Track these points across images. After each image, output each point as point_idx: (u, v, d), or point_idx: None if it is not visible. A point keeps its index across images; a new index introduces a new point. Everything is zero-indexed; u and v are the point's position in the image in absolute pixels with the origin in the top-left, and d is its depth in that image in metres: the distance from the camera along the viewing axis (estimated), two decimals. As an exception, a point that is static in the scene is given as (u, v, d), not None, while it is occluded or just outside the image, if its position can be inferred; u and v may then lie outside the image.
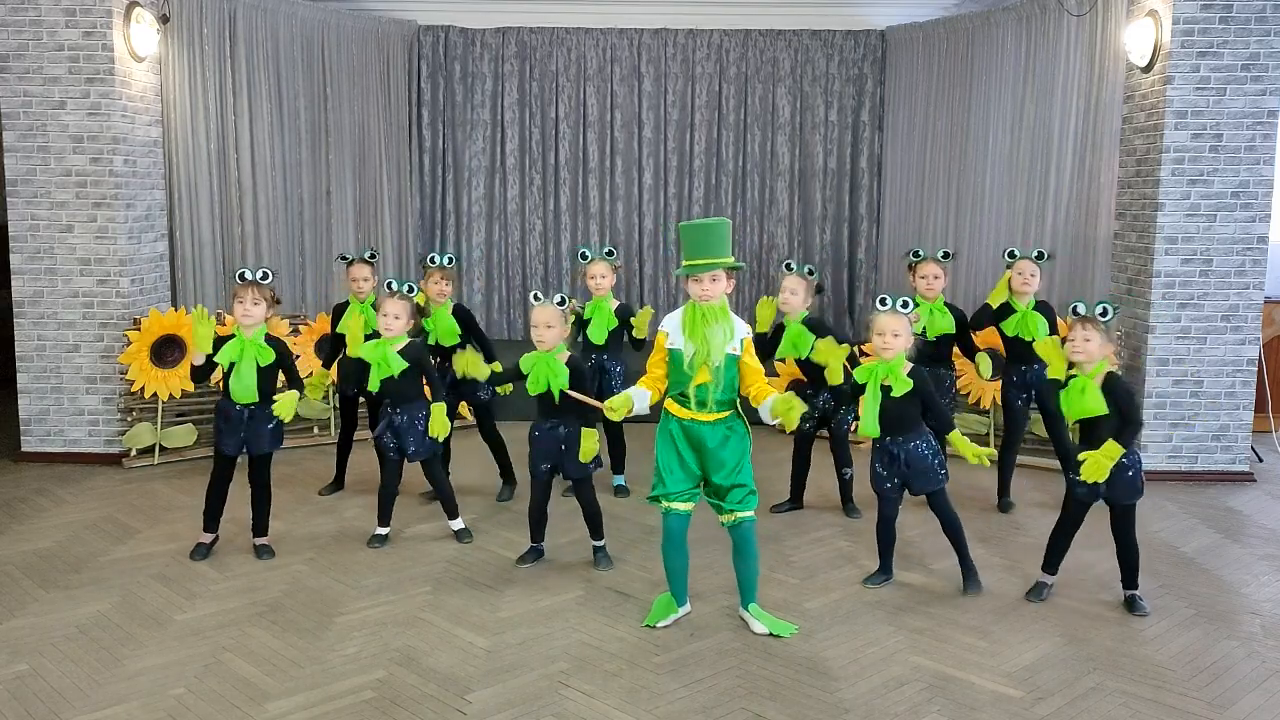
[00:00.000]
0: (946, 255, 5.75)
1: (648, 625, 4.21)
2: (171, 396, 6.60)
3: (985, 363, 5.55)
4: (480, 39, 8.97)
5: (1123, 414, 4.23)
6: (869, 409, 4.42)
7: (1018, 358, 5.61)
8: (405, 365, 4.94)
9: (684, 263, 3.99)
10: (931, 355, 5.47)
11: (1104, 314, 4.26)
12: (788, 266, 5.51)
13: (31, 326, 6.57)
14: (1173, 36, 6.13)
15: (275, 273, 4.93)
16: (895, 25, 8.80)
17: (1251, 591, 4.69)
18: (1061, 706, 3.60)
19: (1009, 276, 5.62)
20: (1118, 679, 3.80)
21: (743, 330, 4.05)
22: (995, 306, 5.65)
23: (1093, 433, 4.29)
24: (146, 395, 6.54)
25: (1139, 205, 6.46)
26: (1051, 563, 4.54)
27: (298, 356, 6.93)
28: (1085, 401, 4.23)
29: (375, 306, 5.71)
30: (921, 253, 5.72)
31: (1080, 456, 4.23)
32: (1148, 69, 6.34)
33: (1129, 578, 4.45)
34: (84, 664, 3.86)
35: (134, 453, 6.58)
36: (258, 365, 4.72)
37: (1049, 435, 5.76)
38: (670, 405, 4.11)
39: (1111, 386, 4.25)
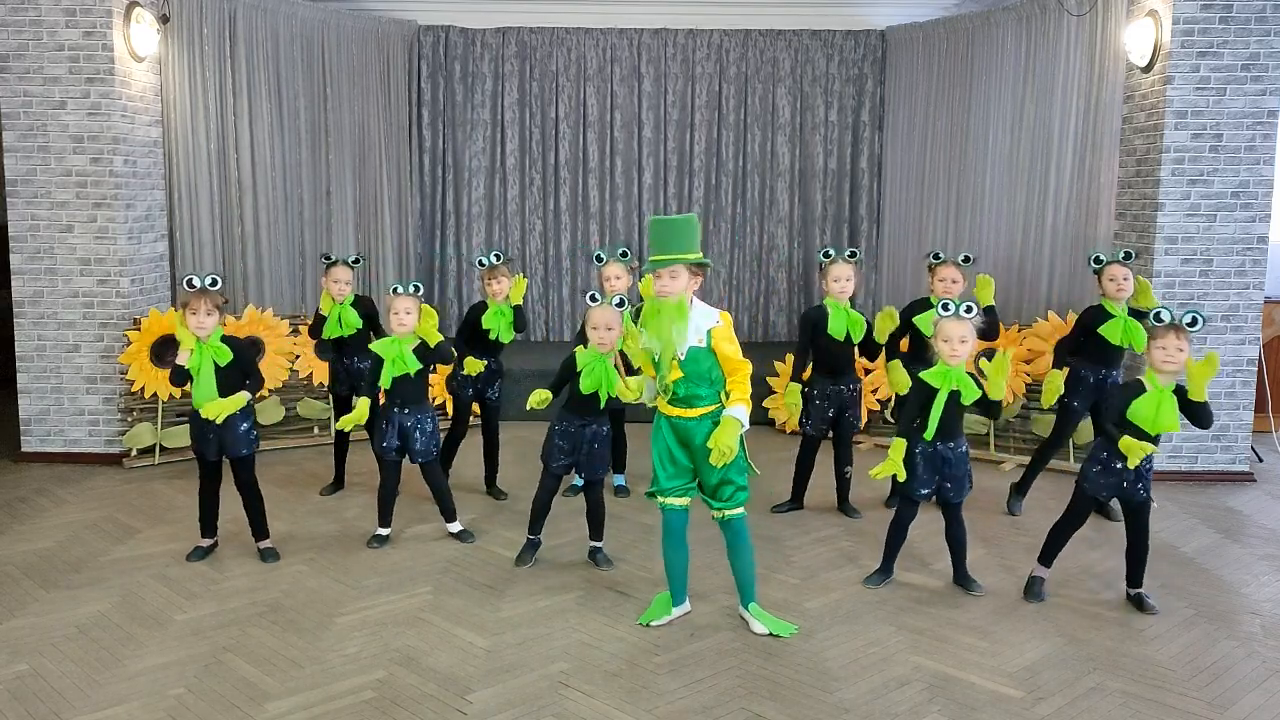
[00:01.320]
0: (967, 259, 5.65)
1: (641, 623, 4.22)
2: (171, 396, 6.59)
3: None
4: (480, 39, 8.97)
5: (1197, 418, 4.20)
6: (937, 414, 4.37)
7: (1102, 362, 5.43)
8: (419, 366, 4.97)
9: (649, 258, 3.95)
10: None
11: (1193, 323, 4.14)
12: (826, 254, 5.46)
13: (31, 326, 6.57)
14: (1173, 36, 6.13)
15: (224, 277, 4.93)
16: (895, 25, 8.80)
17: (1251, 591, 4.69)
18: (1061, 706, 3.60)
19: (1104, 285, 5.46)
20: (1118, 679, 3.80)
21: (711, 320, 3.95)
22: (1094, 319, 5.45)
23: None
24: (146, 395, 6.54)
25: (1139, 205, 6.46)
26: (1048, 557, 4.54)
27: (297, 356, 7.00)
28: (1165, 418, 4.14)
29: (353, 306, 5.75)
30: (942, 255, 5.66)
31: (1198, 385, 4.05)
32: (1148, 69, 6.34)
33: (1136, 576, 4.45)
34: (84, 664, 3.86)
35: (134, 453, 6.58)
36: (216, 368, 4.67)
37: (1096, 433, 5.67)
38: (659, 402, 4.11)
39: (1182, 396, 4.17)
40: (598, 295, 4.70)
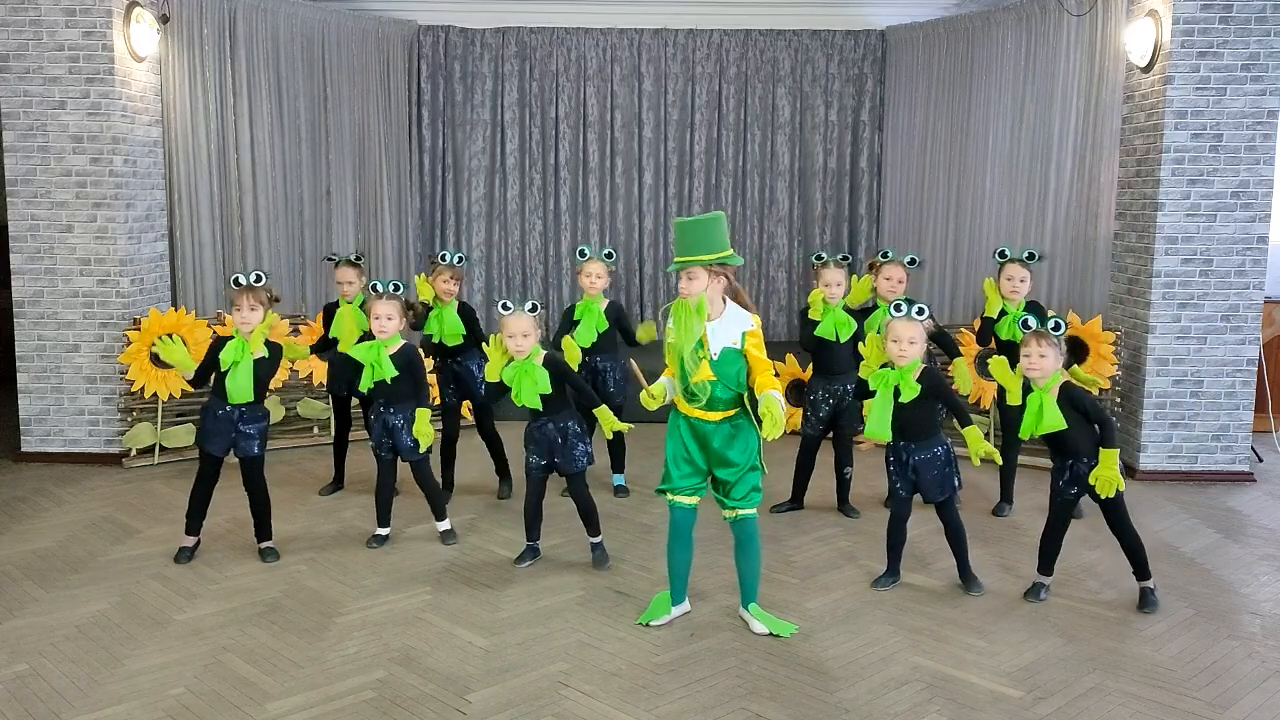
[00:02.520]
0: (913, 261, 5.72)
1: (641, 623, 4.22)
2: (171, 396, 6.60)
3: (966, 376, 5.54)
4: (480, 39, 8.97)
5: (1093, 419, 4.26)
6: (878, 413, 4.40)
7: (1014, 358, 5.56)
8: (396, 372, 4.91)
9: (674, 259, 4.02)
10: None
11: (1056, 328, 4.24)
12: (818, 258, 5.52)
13: (31, 326, 6.57)
14: (1173, 36, 6.13)
15: (269, 274, 4.94)
16: (895, 25, 8.80)
17: (1251, 591, 4.69)
18: (1061, 706, 3.60)
19: (991, 282, 5.59)
20: (1118, 679, 3.80)
21: (745, 324, 4.00)
22: (995, 316, 5.56)
23: (1061, 442, 4.32)
24: (146, 395, 6.54)
25: (1139, 205, 6.46)
26: (1046, 564, 4.55)
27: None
28: (1044, 419, 4.24)
29: (363, 307, 5.73)
30: (890, 254, 5.71)
31: (1090, 479, 4.22)
32: (1148, 69, 6.34)
33: (1139, 570, 4.45)
34: (84, 664, 3.86)
35: (134, 453, 6.58)
36: (255, 367, 4.72)
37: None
38: (677, 400, 4.11)
39: (1071, 397, 4.26)
40: (509, 304, 4.70)
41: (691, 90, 9.09)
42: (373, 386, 4.96)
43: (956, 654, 4.00)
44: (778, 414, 3.81)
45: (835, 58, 9.00)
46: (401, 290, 5.05)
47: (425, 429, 4.91)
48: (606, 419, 4.78)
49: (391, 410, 5.02)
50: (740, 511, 4.10)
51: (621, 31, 8.99)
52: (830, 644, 4.07)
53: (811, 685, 3.74)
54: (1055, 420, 4.22)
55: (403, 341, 5.00)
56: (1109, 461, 4.19)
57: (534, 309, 4.70)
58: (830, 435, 5.64)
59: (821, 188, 9.17)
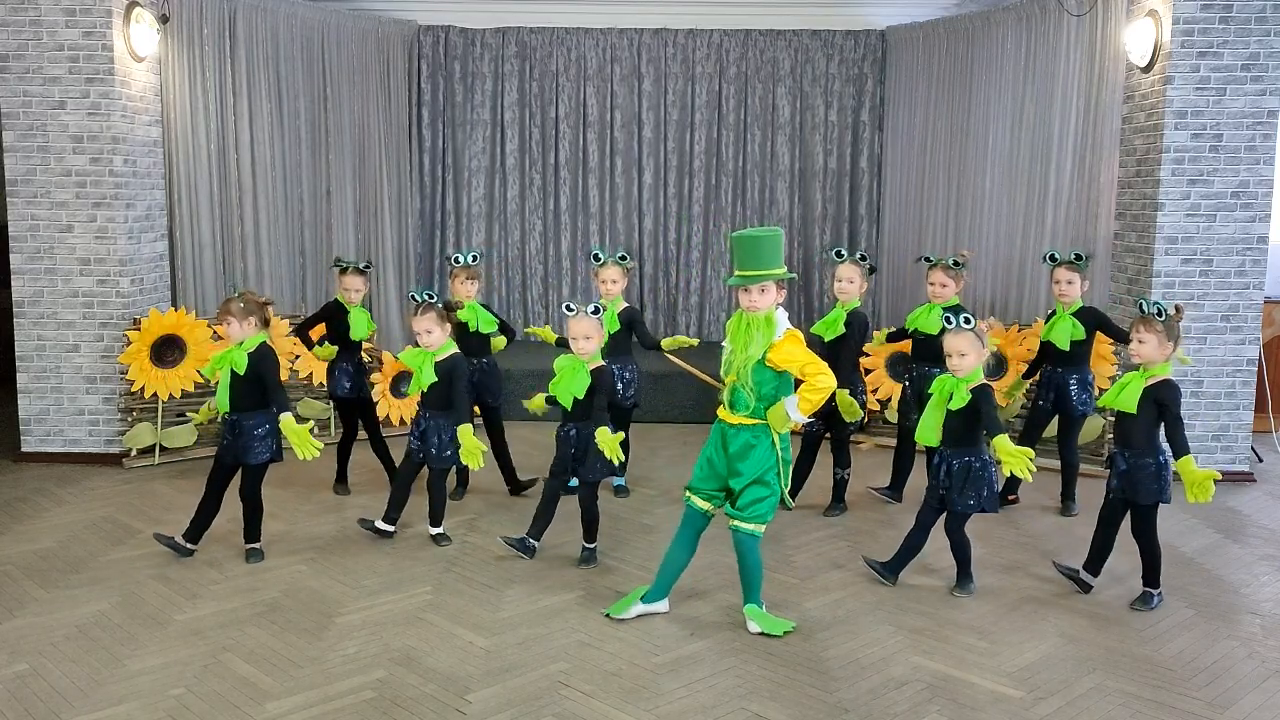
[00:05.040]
0: (956, 264, 5.72)
1: (606, 614, 4.26)
2: (171, 396, 6.60)
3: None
4: (480, 39, 8.98)
5: (1168, 426, 4.26)
6: (929, 419, 4.48)
7: (1053, 360, 5.58)
8: (435, 379, 4.99)
9: (735, 273, 4.04)
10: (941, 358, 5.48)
11: (1159, 314, 4.27)
12: (838, 254, 5.56)
13: (31, 326, 6.57)
14: (1173, 36, 6.13)
15: (235, 286, 4.98)
16: (895, 25, 8.80)
17: (1251, 591, 4.69)
18: (1061, 706, 3.60)
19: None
20: (1118, 679, 3.81)
21: (774, 335, 4.00)
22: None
23: (1123, 427, 4.39)
24: (146, 395, 6.54)
25: (1139, 205, 6.46)
26: (1154, 575, 4.51)
27: (296, 357, 6.98)
28: (1120, 396, 4.31)
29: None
30: (932, 258, 5.73)
31: (1189, 497, 4.16)
32: (1148, 69, 6.34)
33: (1151, 576, 4.46)
34: (84, 664, 3.86)
35: (134, 453, 6.58)
36: (234, 376, 4.74)
37: (1059, 438, 5.73)
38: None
39: (1159, 393, 4.28)
40: (573, 306, 4.78)
41: (691, 90, 9.10)
42: (417, 392, 5.09)
43: (956, 654, 4.00)
44: (781, 415, 3.94)
45: (835, 58, 9.01)
46: (436, 299, 5.03)
47: (470, 444, 4.84)
48: (605, 439, 4.64)
49: (427, 415, 5.08)
50: (738, 523, 4.10)
51: (621, 31, 8.99)
52: (830, 644, 4.07)
53: (811, 685, 3.74)
54: (1128, 403, 4.29)
55: (453, 352, 5.05)
56: (1187, 468, 4.17)
57: (596, 311, 4.77)
58: (828, 435, 5.64)
59: (821, 188, 9.17)
